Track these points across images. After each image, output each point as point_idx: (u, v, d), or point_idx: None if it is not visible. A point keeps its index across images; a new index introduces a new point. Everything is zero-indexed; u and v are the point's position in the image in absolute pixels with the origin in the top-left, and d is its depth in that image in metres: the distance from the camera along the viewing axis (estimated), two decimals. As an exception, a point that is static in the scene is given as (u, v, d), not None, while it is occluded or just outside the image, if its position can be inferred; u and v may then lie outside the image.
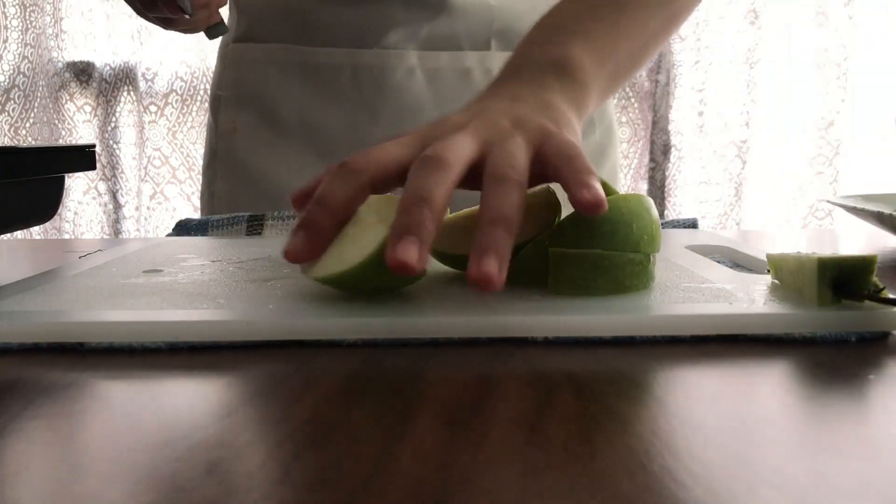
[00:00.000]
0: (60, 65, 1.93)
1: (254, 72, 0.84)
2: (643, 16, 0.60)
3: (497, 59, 0.82)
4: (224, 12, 0.83)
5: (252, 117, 0.84)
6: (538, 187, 0.48)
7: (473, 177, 0.43)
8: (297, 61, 0.82)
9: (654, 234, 0.43)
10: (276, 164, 0.83)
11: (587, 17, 0.57)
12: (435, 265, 0.50)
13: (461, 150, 0.42)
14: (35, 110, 1.90)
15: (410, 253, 0.36)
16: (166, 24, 0.78)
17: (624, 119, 1.92)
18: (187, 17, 0.73)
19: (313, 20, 0.81)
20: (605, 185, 0.49)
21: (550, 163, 0.43)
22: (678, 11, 0.64)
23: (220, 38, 0.87)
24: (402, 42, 0.80)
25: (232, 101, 0.85)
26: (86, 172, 1.94)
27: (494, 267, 0.36)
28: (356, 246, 0.41)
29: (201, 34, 0.80)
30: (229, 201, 0.84)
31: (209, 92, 0.93)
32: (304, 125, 0.82)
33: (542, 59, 0.54)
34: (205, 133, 0.94)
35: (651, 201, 0.45)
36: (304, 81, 0.82)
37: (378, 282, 0.41)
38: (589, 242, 0.42)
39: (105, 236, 1.96)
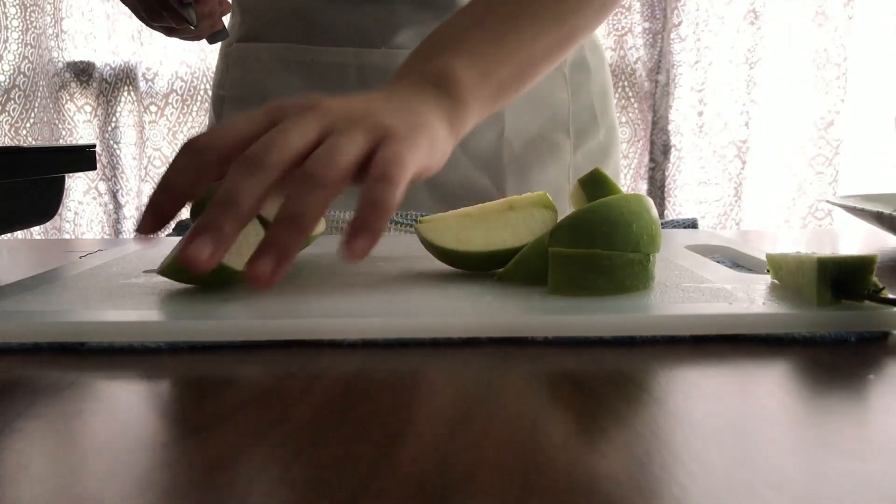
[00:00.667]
0: (60, 65, 1.93)
1: (258, 71, 0.83)
2: (533, 33, 0.59)
3: None
4: (226, 15, 0.83)
5: None
6: (535, 193, 0.48)
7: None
8: (303, 61, 0.82)
9: (654, 234, 0.43)
10: None
11: (475, 32, 0.57)
12: (436, 265, 0.50)
13: (288, 149, 0.40)
14: (35, 110, 1.90)
15: (203, 251, 0.37)
16: (169, 32, 0.78)
17: (624, 119, 1.92)
18: (192, 28, 0.73)
19: (319, 20, 0.80)
20: (607, 183, 0.49)
21: (369, 172, 0.41)
22: (574, 31, 0.62)
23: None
24: (409, 42, 0.80)
25: (235, 100, 0.85)
26: (86, 172, 1.94)
27: (268, 266, 0.36)
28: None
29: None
30: None
31: (210, 92, 0.93)
32: None
33: (424, 71, 0.53)
34: (204, 133, 0.94)
35: (650, 201, 0.45)
36: (310, 81, 0.82)
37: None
38: (588, 242, 0.42)
39: (105, 236, 1.96)
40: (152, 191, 0.41)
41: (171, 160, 0.42)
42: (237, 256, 0.44)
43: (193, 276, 0.44)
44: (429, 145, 0.45)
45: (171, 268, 0.44)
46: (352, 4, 0.80)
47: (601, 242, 0.41)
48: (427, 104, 0.49)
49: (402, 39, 0.80)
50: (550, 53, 0.61)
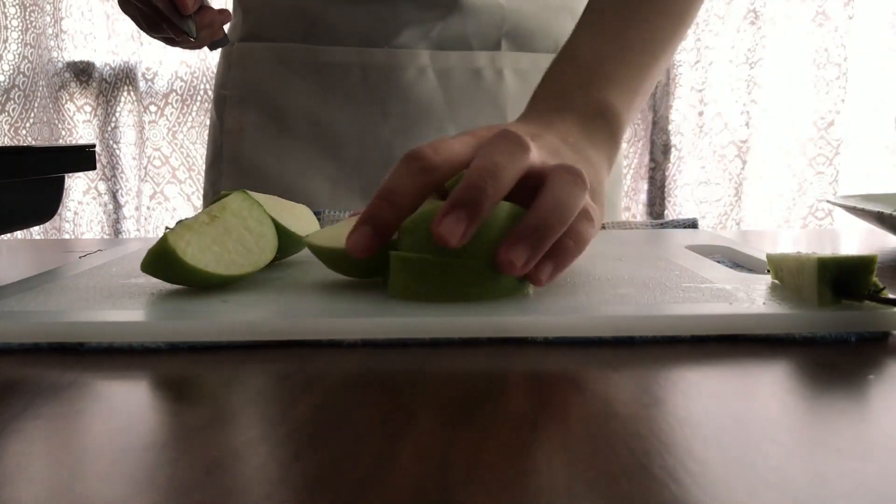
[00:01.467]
0: (60, 65, 1.93)
1: (261, 71, 0.83)
2: (664, 58, 0.61)
3: (507, 59, 0.82)
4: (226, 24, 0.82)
5: (259, 117, 0.83)
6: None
7: (521, 193, 0.42)
8: (306, 60, 0.82)
9: (499, 239, 0.40)
10: (284, 163, 0.82)
11: (620, 60, 0.58)
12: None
13: (505, 181, 0.41)
14: (35, 110, 1.90)
15: (457, 229, 0.38)
16: (170, 42, 0.78)
17: (624, 119, 1.92)
18: (192, 39, 0.73)
19: (322, 19, 0.80)
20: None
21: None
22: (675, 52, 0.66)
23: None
24: (413, 41, 0.80)
25: (238, 100, 0.85)
26: (86, 172, 1.94)
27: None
28: (251, 251, 0.45)
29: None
30: None
31: (210, 91, 0.93)
32: (312, 124, 0.82)
33: (585, 105, 0.55)
34: (205, 133, 0.94)
35: (514, 207, 0.42)
36: (313, 80, 0.82)
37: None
38: (427, 247, 0.40)
39: (105, 236, 1.96)
40: (371, 206, 0.41)
41: (393, 171, 0.42)
42: (221, 264, 0.44)
43: (174, 276, 0.44)
44: (598, 188, 0.50)
45: (152, 265, 0.43)
46: (355, 4, 0.80)
47: (440, 248, 0.39)
48: (599, 152, 0.53)
49: (405, 39, 0.80)
50: (662, 69, 0.64)
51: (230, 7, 0.87)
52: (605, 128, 0.54)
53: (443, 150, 0.43)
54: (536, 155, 0.43)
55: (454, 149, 0.43)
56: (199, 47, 0.80)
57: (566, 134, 0.52)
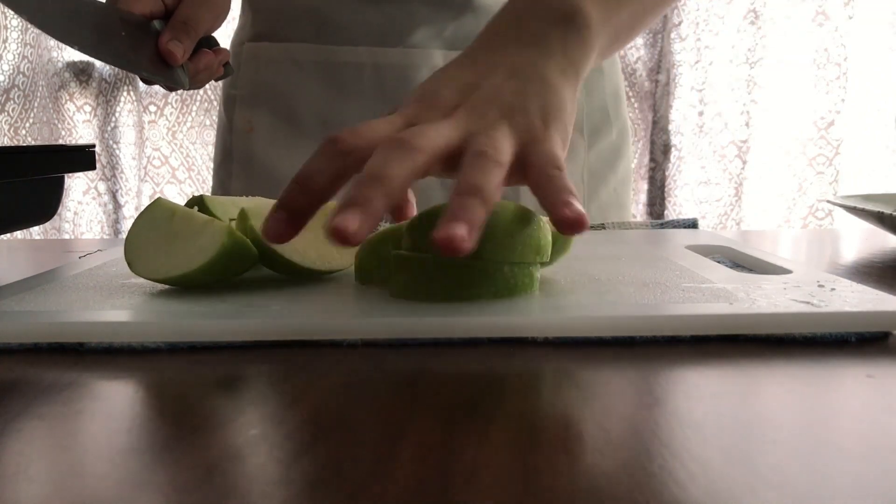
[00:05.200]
0: (60, 65, 1.93)
1: (271, 70, 0.83)
2: None
3: None
4: (235, 11, 0.82)
5: (269, 116, 0.83)
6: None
7: (452, 165, 0.41)
8: (317, 60, 0.81)
9: (502, 239, 0.40)
10: (295, 163, 0.81)
11: None
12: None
13: (437, 139, 0.41)
14: (35, 110, 1.90)
15: (349, 223, 0.35)
16: (168, 89, 0.76)
17: (624, 119, 1.92)
18: (185, 88, 0.69)
19: (334, 19, 0.80)
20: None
21: (532, 175, 0.42)
22: None
23: (230, 38, 0.87)
24: (426, 41, 0.80)
25: (247, 99, 0.84)
26: (86, 172, 1.94)
27: (463, 230, 0.35)
28: (193, 246, 0.43)
29: None
30: None
31: (210, 92, 0.93)
32: (324, 124, 0.81)
33: (548, 9, 0.50)
34: (205, 133, 0.94)
35: (518, 208, 0.42)
36: (324, 80, 0.81)
37: (221, 276, 0.44)
38: (429, 247, 0.39)
39: (105, 236, 1.96)
40: (286, 191, 0.39)
41: (311, 156, 0.41)
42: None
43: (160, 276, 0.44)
44: (564, 130, 0.46)
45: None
46: (367, 3, 0.79)
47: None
48: (556, 63, 0.48)
49: (418, 38, 0.80)
50: (657, 5, 0.60)
51: (242, 7, 0.87)
52: (570, 32, 0.49)
53: (363, 133, 0.41)
54: (448, 136, 0.41)
55: (376, 131, 0.42)
56: (198, 88, 0.76)
57: (520, 65, 0.47)
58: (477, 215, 0.36)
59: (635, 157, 1.94)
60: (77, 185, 1.96)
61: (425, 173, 0.41)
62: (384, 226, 0.50)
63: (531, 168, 0.42)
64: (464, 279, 0.40)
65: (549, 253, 0.43)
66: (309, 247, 0.45)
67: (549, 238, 0.43)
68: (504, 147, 0.41)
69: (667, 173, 1.94)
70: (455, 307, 0.39)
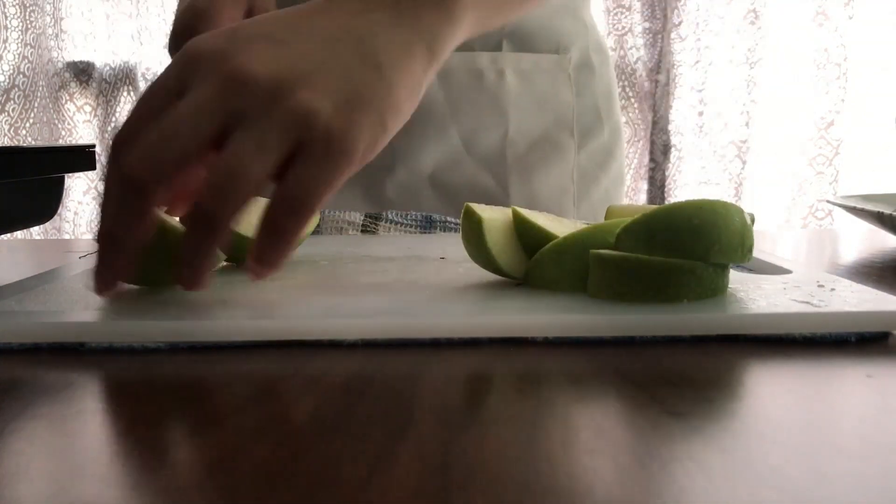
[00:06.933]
0: (60, 65, 1.92)
1: None
2: None
3: (509, 60, 0.82)
4: None
5: None
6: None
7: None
8: None
9: (729, 243, 0.40)
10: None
11: None
12: (436, 265, 0.50)
13: (189, 144, 0.37)
14: (35, 110, 1.90)
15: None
16: None
17: (624, 119, 1.92)
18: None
19: None
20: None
21: (278, 190, 0.37)
22: None
23: None
24: None
25: None
26: (86, 172, 1.94)
27: (191, 275, 0.38)
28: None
29: None
30: None
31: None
32: None
33: None
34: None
35: (734, 208, 0.42)
36: None
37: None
38: (655, 247, 0.40)
39: (105, 236, 1.96)
40: (98, 246, 0.39)
41: (104, 200, 0.38)
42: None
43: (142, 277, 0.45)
44: (376, 115, 0.38)
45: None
46: None
47: (659, 248, 0.40)
48: (396, 38, 0.40)
49: None
50: None
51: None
52: (434, 4, 0.42)
53: (147, 153, 0.37)
54: (202, 133, 0.37)
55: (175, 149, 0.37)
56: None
57: (346, 21, 0.40)
58: (204, 246, 0.37)
59: (635, 157, 1.94)
60: (77, 185, 1.96)
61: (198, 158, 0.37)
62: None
63: (283, 185, 0.37)
64: (664, 278, 0.40)
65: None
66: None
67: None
68: (257, 163, 0.36)
69: (667, 173, 1.94)
70: (450, 308, 0.39)
